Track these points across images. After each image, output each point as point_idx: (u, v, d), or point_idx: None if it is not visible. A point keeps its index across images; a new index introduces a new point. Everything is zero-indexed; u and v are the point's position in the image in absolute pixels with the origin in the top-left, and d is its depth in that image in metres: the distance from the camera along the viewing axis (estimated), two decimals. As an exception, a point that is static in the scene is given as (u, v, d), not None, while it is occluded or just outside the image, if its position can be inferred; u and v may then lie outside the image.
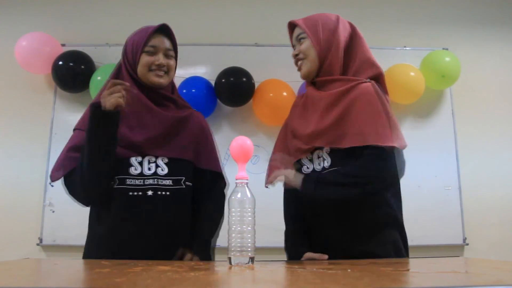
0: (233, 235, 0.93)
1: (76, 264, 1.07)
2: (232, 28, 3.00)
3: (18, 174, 2.77)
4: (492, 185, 2.86)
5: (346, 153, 1.20)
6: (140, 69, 1.31)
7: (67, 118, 2.79)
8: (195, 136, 1.39)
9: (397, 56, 2.89)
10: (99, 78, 2.67)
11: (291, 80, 2.70)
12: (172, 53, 1.35)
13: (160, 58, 1.31)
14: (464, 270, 0.91)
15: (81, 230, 1.37)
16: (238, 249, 0.92)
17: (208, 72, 2.84)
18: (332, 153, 1.23)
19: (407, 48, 2.98)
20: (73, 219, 2.69)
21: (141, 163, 1.28)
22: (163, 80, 1.32)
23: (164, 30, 1.34)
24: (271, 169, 1.36)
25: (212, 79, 2.77)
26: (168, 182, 1.29)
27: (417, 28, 3.05)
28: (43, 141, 2.77)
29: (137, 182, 1.26)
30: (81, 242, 1.34)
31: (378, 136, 1.17)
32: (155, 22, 1.37)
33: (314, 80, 1.35)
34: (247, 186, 0.97)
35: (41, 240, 2.67)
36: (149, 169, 1.28)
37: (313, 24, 1.30)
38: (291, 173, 1.25)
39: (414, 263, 1.04)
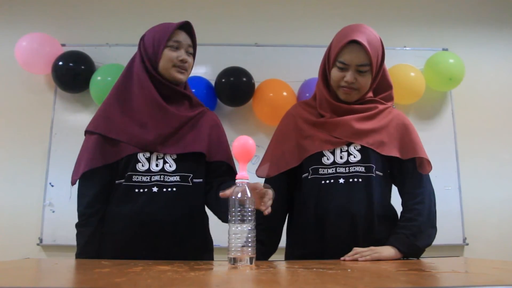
0: (233, 235, 0.93)
1: (76, 264, 1.07)
2: (232, 28, 3.00)
3: (18, 174, 2.77)
4: (492, 185, 2.86)
5: (377, 152, 1.30)
6: (163, 64, 1.29)
7: (67, 118, 2.79)
8: (208, 130, 1.38)
9: (397, 56, 2.89)
10: (99, 78, 2.66)
11: (291, 80, 2.70)
12: (191, 50, 1.35)
13: (183, 54, 1.31)
14: (464, 270, 0.91)
15: (81, 230, 1.36)
16: (238, 249, 0.92)
17: (208, 72, 2.84)
18: (362, 150, 1.31)
19: (407, 48, 2.98)
20: (73, 219, 2.69)
21: (148, 159, 1.28)
22: (184, 77, 1.33)
23: (185, 27, 1.33)
24: (264, 161, 1.43)
25: (212, 79, 2.77)
26: (175, 178, 1.28)
27: (417, 28, 3.05)
28: (43, 141, 2.77)
29: (144, 178, 1.26)
30: (81, 242, 1.33)
31: (423, 152, 1.31)
32: (155, 22, 1.36)
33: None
34: (248, 186, 0.97)
35: (41, 240, 2.67)
36: (157, 165, 1.27)
37: (375, 54, 1.28)
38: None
39: (414, 263, 1.04)
